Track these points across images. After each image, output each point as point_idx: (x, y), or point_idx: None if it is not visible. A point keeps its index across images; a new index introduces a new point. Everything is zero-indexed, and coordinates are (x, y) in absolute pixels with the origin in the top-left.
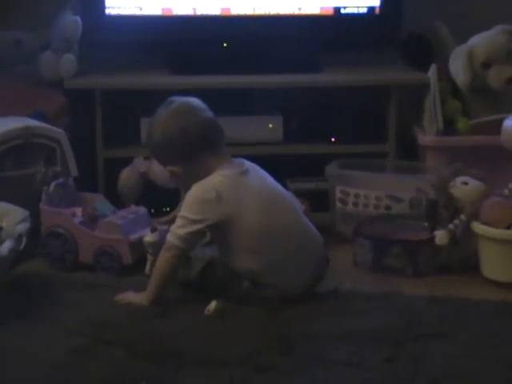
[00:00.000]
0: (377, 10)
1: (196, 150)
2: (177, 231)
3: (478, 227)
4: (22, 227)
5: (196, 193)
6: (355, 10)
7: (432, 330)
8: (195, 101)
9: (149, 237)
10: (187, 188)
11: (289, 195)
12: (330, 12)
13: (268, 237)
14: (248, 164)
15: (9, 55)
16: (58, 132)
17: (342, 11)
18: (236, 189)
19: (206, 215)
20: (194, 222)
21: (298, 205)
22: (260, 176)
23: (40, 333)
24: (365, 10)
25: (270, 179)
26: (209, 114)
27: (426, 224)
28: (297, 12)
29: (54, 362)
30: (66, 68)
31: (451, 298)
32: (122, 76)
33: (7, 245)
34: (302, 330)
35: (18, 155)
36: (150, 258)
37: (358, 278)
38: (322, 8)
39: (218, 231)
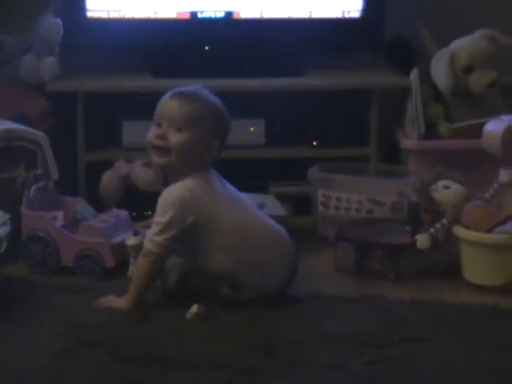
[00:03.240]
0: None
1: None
2: (154, 238)
3: (459, 231)
4: (2, 230)
5: (168, 196)
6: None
7: (414, 333)
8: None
9: (131, 240)
10: (176, 177)
11: (247, 198)
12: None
13: (241, 235)
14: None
15: None
16: (39, 135)
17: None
18: (209, 190)
19: (181, 217)
20: (170, 225)
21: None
22: (224, 183)
23: (22, 336)
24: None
25: (232, 187)
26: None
27: (407, 228)
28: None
29: (37, 365)
30: (48, 71)
31: (433, 302)
32: (103, 79)
33: None
34: (284, 334)
35: None
36: (132, 261)
37: (340, 281)
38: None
39: (192, 235)
